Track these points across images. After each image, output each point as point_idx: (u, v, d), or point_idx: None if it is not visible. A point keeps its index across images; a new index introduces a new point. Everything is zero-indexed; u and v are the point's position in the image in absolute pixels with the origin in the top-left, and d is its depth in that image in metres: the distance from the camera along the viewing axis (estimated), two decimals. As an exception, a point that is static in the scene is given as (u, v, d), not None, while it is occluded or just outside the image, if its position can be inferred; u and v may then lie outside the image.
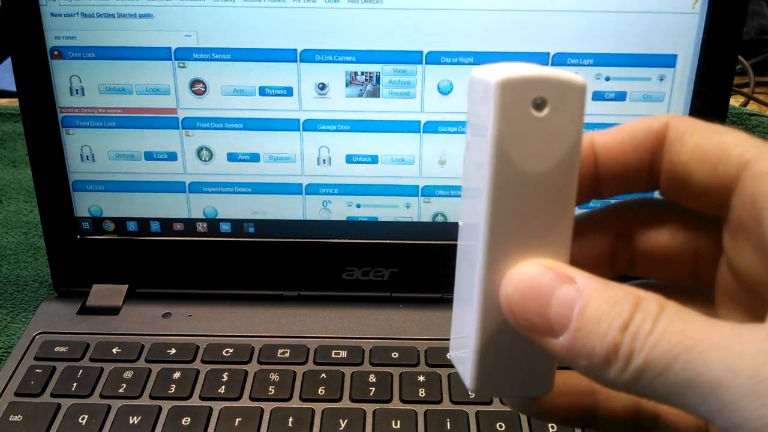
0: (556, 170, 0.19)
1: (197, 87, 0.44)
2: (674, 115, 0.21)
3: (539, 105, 0.19)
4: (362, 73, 0.43)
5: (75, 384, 0.40)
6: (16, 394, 0.40)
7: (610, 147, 0.21)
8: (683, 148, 0.20)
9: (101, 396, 0.40)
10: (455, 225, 0.22)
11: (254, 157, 0.45)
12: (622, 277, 0.23)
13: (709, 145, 0.20)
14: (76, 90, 0.44)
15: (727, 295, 0.22)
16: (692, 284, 0.23)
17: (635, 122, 0.21)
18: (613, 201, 0.23)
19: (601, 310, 0.18)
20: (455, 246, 0.22)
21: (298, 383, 0.41)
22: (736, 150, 0.19)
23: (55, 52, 0.43)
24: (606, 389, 0.23)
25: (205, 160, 0.45)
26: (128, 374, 0.41)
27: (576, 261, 0.20)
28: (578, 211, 0.21)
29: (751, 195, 0.19)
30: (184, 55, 0.43)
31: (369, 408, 0.39)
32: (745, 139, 0.19)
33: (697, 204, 0.21)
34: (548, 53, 0.43)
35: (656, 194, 0.23)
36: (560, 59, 0.43)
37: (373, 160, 0.45)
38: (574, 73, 0.19)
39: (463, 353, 0.21)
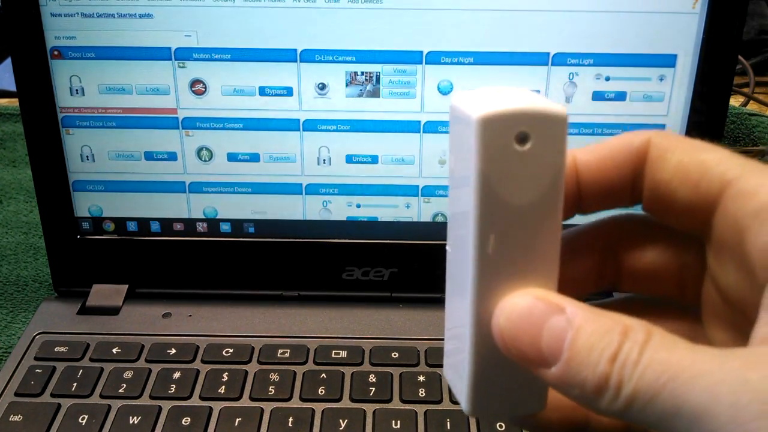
0: (541, 200, 0.20)
1: (197, 87, 0.44)
2: (656, 131, 0.21)
3: (522, 139, 0.19)
4: (362, 73, 0.43)
5: (75, 384, 0.40)
6: (16, 394, 0.40)
7: (591, 164, 0.21)
8: (665, 166, 0.20)
9: (101, 396, 0.40)
10: None
11: (254, 157, 0.45)
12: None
13: (692, 163, 0.20)
14: (76, 90, 0.44)
15: (713, 311, 0.22)
16: (679, 300, 0.23)
17: (617, 138, 0.21)
18: (598, 217, 0.24)
19: (592, 339, 0.18)
20: None
21: (298, 383, 0.41)
22: (718, 168, 0.19)
23: (55, 52, 0.43)
24: None
25: (205, 160, 0.45)
26: (128, 374, 0.41)
27: (563, 278, 0.20)
28: (564, 228, 0.21)
29: (733, 214, 0.19)
30: (184, 55, 0.43)
31: (369, 408, 0.39)
32: (728, 157, 0.19)
33: (679, 222, 0.21)
34: (548, 53, 0.43)
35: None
36: (560, 59, 0.43)
37: (373, 160, 0.45)
38: (555, 103, 0.19)
39: (458, 375, 0.22)
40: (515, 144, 0.19)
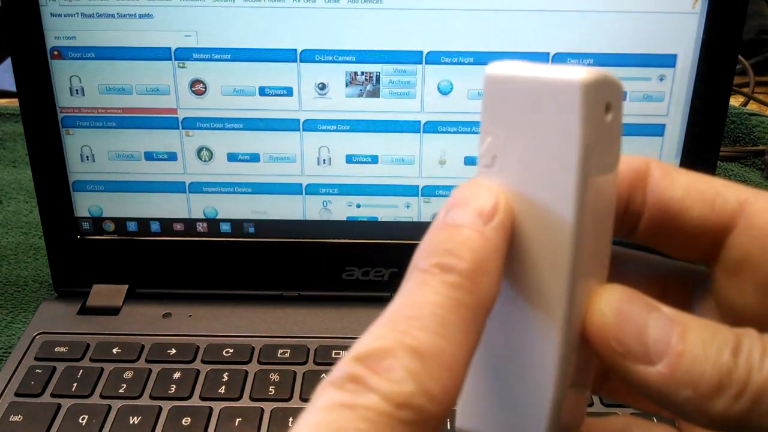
0: (610, 180, 0.18)
1: (197, 87, 0.44)
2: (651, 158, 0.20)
3: (608, 109, 0.17)
4: (362, 73, 0.43)
5: (75, 384, 0.40)
6: (17, 395, 0.40)
7: None
8: (675, 185, 0.19)
9: (101, 396, 0.40)
10: None
11: (254, 157, 0.45)
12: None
13: (702, 183, 0.19)
14: (76, 90, 0.44)
15: None
16: None
17: None
18: None
19: (705, 335, 0.16)
20: None
21: (298, 383, 0.41)
22: (728, 190, 0.19)
23: (55, 52, 0.43)
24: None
25: (205, 160, 0.45)
26: (128, 374, 0.41)
27: None
28: None
29: (763, 231, 0.18)
30: (184, 55, 0.43)
31: (369, 408, 0.39)
32: (733, 184, 0.19)
33: (684, 244, 0.20)
34: (548, 53, 0.43)
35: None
36: (560, 59, 0.43)
37: (373, 160, 0.45)
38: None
39: (512, 417, 0.19)
40: (605, 114, 0.17)
